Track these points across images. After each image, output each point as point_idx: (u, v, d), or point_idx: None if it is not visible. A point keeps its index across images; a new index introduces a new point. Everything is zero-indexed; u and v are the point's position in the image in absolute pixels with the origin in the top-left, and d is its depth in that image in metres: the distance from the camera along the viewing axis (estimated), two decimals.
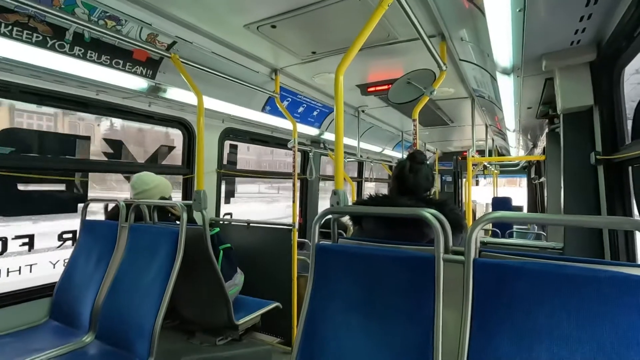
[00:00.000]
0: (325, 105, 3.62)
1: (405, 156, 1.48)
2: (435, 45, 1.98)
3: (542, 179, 4.76)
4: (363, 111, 4.01)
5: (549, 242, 1.98)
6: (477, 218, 0.96)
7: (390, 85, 2.64)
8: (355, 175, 5.93)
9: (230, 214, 3.43)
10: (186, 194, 2.83)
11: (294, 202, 2.75)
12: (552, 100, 2.17)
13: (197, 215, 2.17)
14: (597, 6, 1.21)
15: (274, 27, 1.97)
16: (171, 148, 2.92)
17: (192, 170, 2.77)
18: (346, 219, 3.96)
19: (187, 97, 2.35)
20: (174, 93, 2.29)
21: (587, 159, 1.71)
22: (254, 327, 2.33)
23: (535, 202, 6.05)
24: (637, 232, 1.06)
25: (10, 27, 1.53)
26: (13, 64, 1.62)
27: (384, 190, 6.58)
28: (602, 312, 0.80)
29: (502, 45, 1.55)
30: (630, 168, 1.55)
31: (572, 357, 0.79)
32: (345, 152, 4.57)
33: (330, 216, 1.30)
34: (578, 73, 1.65)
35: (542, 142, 3.83)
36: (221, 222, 2.85)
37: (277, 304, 2.33)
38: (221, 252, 2.08)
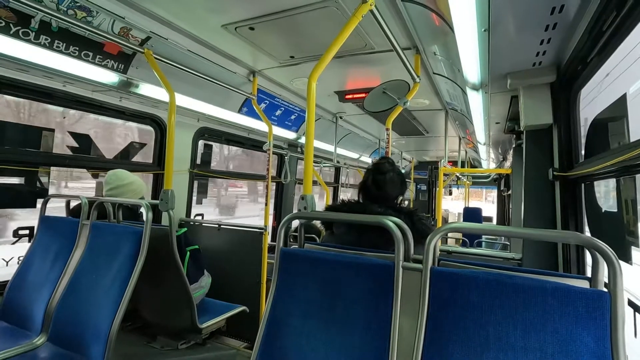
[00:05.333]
0: (303, 110, 3.63)
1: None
2: (410, 57, 2.04)
3: (510, 192, 4.96)
4: (341, 117, 4.05)
5: (510, 253, 2.06)
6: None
7: (367, 94, 2.69)
8: (332, 180, 5.96)
9: (201, 214, 3.37)
10: (156, 193, 2.75)
11: (266, 204, 2.73)
12: (518, 117, 2.28)
13: (165, 216, 2.12)
14: (556, 31, 1.28)
15: (252, 29, 1.97)
16: (142, 145, 2.84)
17: (163, 168, 2.70)
18: (319, 224, 3.98)
19: (160, 93, 2.30)
20: (147, 89, 2.24)
21: (546, 174, 1.80)
22: (219, 331, 2.28)
23: (504, 213, 6.29)
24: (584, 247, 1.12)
25: None
26: None
27: None
28: (546, 321, 0.84)
29: (471, 62, 1.62)
30: (582, 185, 1.65)
31: None
32: (322, 158, 4.62)
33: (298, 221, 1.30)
34: (539, 92, 1.74)
35: (511, 156, 4.00)
36: (191, 222, 2.79)
37: (243, 307, 2.30)
38: (188, 253, 2.04)
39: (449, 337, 0.91)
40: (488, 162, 5.48)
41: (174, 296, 1.89)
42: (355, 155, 5.66)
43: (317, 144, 4.30)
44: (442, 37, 1.75)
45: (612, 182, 1.49)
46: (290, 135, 3.86)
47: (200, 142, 3.11)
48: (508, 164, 4.73)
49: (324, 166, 4.59)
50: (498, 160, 5.61)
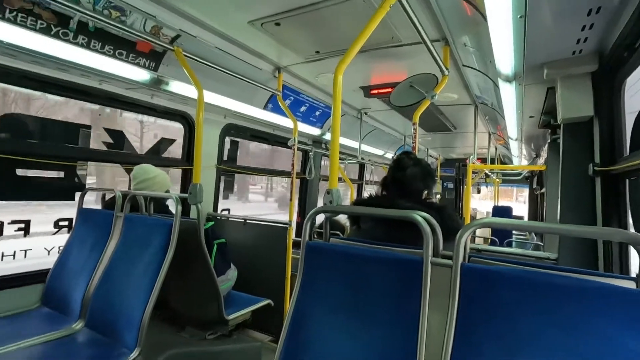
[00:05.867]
0: (328, 106, 3.62)
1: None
2: (438, 49, 1.98)
3: (543, 190, 4.74)
4: (366, 113, 4.00)
5: (544, 252, 1.97)
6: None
7: (393, 88, 2.64)
8: (356, 177, 5.92)
9: (228, 209, 3.44)
10: (184, 188, 2.83)
11: (291, 200, 2.75)
12: (553, 110, 2.16)
13: (193, 210, 2.18)
14: (599, 16, 1.20)
15: (278, 24, 1.97)
16: (171, 141, 2.93)
17: (192, 164, 2.77)
18: (344, 220, 3.97)
19: (189, 90, 2.36)
20: (176, 86, 2.30)
21: (585, 170, 1.70)
22: (245, 324, 2.33)
23: (536, 212, 6.02)
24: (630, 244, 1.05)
25: (15, 13, 1.54)
26: (16, 49, 1.63)
27: None
28: (588, 323, 0.79)
29: (504, 52, 1.55)
30: (627, 180, 1.54)
31: None
32: (346, 154, 4.59)
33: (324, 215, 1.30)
34: (579, 83, 1.64)
35: (545, 152, 3.81)
36: (218, 217, 2.85)
37: (268, 301, 2.32)
38: (215, 246, 2.08)
39: (480, 335, 0.88)
40: (520, 159, 5.25)
41: (202, 288, 1.94)
42: (379, 152, 5.59)
43: (342, 140, 4.28)
44: (474, 26, 1.69)
45: None
46: (314, 131, 3.86)
47: (227, 139, 3.17)
48: (542, 160, 4.52)
49: (348, 163, 4.56)
50: (530, 157, 5.36)
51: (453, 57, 2.17)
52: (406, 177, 1.37)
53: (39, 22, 1.61)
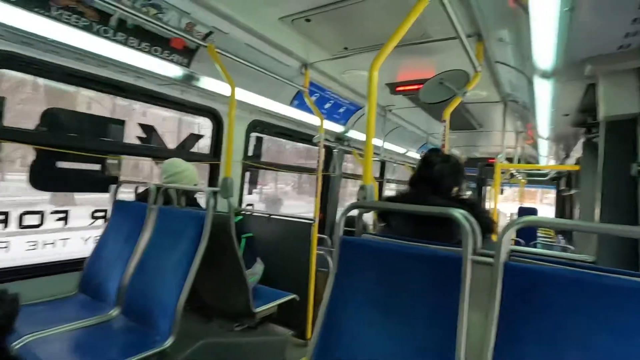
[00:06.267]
0: (352, 103, 3.61)
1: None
2: (472, 45, 1.94)
3: (573, 191, 4.57)
4: (390, 110, 3.97)
5: (579, 255, 1.90)
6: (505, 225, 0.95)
7: (419, 86, 2.60)
8: (377, 175, 5.88)
9: (251, 204, 3.48)
10: (212, 182, 2.89)
11: (316, 197, 2.76)
12: (591, 108, 2.07)
13: (219, 205, 2.22)
14: None
15: (308, 20, 1.98)
16: (199, 137, 2.99)
17: (219, 159, 2.82)
18: (368, 219, 3.95)
19: (218, 86, 2.40)
20: (206, 82, 2.34)
21: (627, 170, 1.63)
22: (269, 318, 2.36)
23: (564, 214, 5.82)
24: None
25: (60, 11, 1.61)
26: (60, 46, 1.70)
27: None
28: (637, 327, 0.77)
29: (545, 47, 1.50)
30: None
31: None
32: None
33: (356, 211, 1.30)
34: (624, 79, 1.56)
35: (576, 152, 3.67)
36: (243, 212, 2.89)
37: (294, 295, 2.35)
38: (243, 240, 2.12)
39: (523, 334, 0.87)
40: (547, 159, 5.09)
41: (231, 280, 1.97)
42: (402, 150, 5.53)
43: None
44: (513, 20, 1.64)
45: None
46: (338, 128, 3.86)
47: (252, 135, 3.21)
48: (571, 160, 4.36)
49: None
50: (559, 157, 5.18)
51: (486, 53, 2.12)
52: (435, 174, 1.35)
53: (82, 19, 1.68)
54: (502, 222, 7.70)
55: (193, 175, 2.36)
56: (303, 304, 2.43)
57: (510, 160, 5.07)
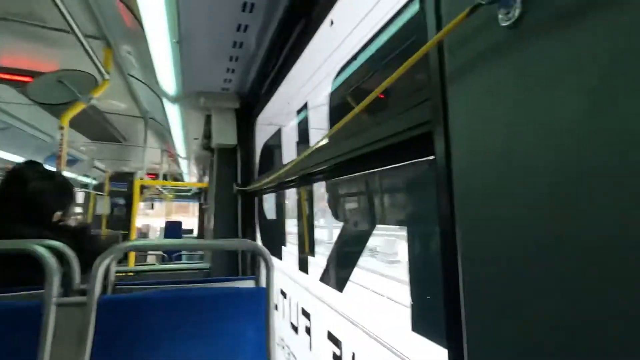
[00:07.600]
0: None
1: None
2: (98, 49, 1.74)
3: (205, 206, 5.33)
4: None
5: (202, 263, 2.15)
6: None
7: (33, 78, 2.04)
8: None
9: None
10: None
11: None
12: (211, 135, 2.47)
13: None
14: (238, 63, 1.48)
15: None
16: None
17: None
18: None
19: None
20: None
21: (231, 188, 2.04)
22: None
23: (203, 225, 6.69)
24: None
25: None
26: None
27: None
28: (221, 325, 0.90)
29: (166, 73, 1.57)
30: (256, 198, 1.99)
31: None
32: None
33: None
34: (228, 115, 1.96)
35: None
36: None
37: None
38: None
39: None
40: (189, 177, 5.65)
41: None
42: (19, 159, 4.18)
43: None
44: (138, 39, 1.61)
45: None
46: None
47: None
48: (207, 178, 5.07)
49: None
50: (199, 175, 5.90)
51: (117, 62, 1.98)
52: (28, 194, 1.04)
53: None
54: (152, 236, 7.71)
55: None
56: None
57: (157, 176, 5.17)
